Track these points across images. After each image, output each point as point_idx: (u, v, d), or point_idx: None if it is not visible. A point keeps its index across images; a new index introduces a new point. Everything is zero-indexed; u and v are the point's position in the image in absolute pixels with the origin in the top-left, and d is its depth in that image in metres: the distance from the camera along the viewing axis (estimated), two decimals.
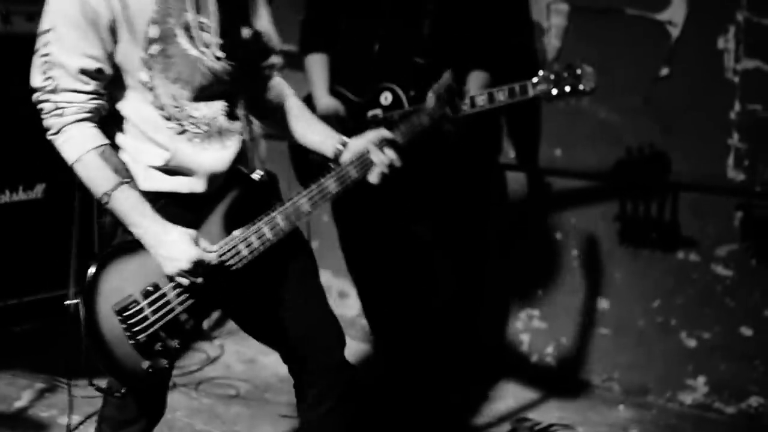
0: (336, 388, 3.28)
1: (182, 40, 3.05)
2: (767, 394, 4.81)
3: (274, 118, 3.41)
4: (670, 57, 4.85)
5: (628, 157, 4.94)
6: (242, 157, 3.20)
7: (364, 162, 3.27)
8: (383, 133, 3.33)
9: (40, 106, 3.01)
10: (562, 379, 5.26)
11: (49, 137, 3.02)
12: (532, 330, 5.38)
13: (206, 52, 3.09)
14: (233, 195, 3.16)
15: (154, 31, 3.01)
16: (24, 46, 5.39)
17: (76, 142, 2.98)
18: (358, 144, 3.32)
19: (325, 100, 4.48)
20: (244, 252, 3.10)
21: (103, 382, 3.13)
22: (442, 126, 3.64)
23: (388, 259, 4.89)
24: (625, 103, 4.92)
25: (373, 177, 3.28)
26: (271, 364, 5.06)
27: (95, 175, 2.99)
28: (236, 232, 3.10)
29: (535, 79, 4.10)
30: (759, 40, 4.66)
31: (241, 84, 3.23)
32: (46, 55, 2.96)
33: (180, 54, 3.05)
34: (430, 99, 3.52)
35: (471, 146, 4.82)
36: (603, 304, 5.16)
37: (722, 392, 4.91)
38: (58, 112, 2.97)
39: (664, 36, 4.85)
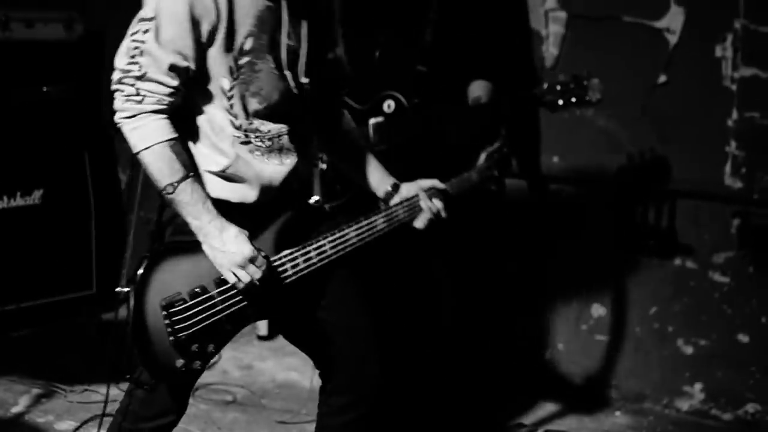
0: (363, 401, 3.30)
1: (270, 58, 3.09)
2: (764, 401, 4.82)
3: (334, 148, 3.51)
4: (668, 64, 4.87)
5: (626, 164, 4.95)
6: (299, 179, 3.25)
7: (412, 206, 3.40)
8: (435, 182, 3.45)
9: (119, 86, 3.04)
10: (558, 385, 5.26)
11: (117, 120, 3.05)
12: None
13: (290, 75, 3.14)
14: (288, 215, 3.20)
15: (248, 44, 3.05)
16: (23, 53, 5.50)
17: (149, 131, 3.02)
18: (409, 189, 3.43)
19: None
20: (290, 271, 3.14)
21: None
22: (489, 186, 3.74)
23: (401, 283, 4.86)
24: (624, 110, 4.92)
25: (419, 222, 3.41)
26: (268, 370, 5.07)
27: (163, 165, 3.03)
28: (285, 252, 3.14)
29: (541, 90, 4.13)
30: (757, 47, 4.67)
31: (314, 109, 3.28)
32: (140, 41, 3.01)
33: (266, 70, 3.09)
34: (482, 158, 3.64)
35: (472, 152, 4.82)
36: (599, 310, 5.17)
37: (719, 399, 4.92)
38: (138, 98, 3.01)
39: (662, 43, 4.86)
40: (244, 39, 3.05)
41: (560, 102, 4.12)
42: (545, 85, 4.16)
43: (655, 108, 4.89)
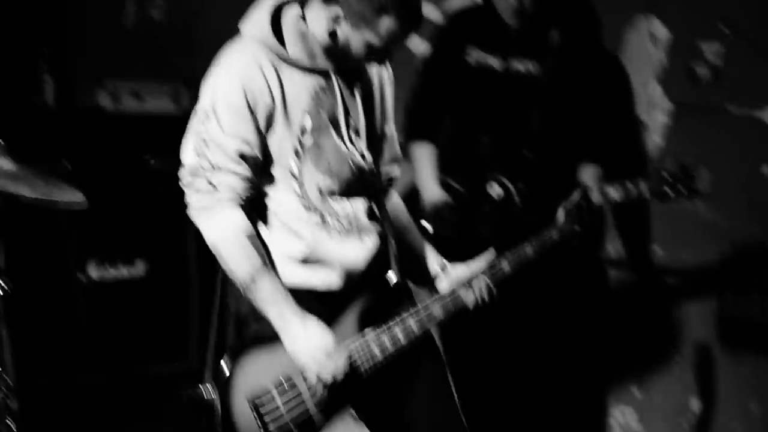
0: None
1: (333, 134, 3.11)
2: None
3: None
4: None
5: (728, 256, 4.89)
6: (379, 257, 3.26)
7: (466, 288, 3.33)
8: (485, 258, 3.41)
9: (191, 181, 3.07)
10: None
11: (193, 214, 3.09)
12: (626, 429, 5.30)
13: (354, 149, 3.16)
14: (368, 295, 3.21)
15: (308, 122, 3.07)
16: (131, 124, 5.60)
17: (225, 223, 3.05)
18: (458, 271, 3.42)
19: (434, 191, 4.49)
20: (377, 353, 3.14)
21: None
22: (571, 242, 3.71)
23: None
24: (727, 201, 4.87)
25: (470, 305, 3.33)
26: None
27: (241, 258, 3.04)
28: (369, 331, 3.14)
29: (649, 179, 4.11)
30: None
31: (377, 184, 3.31)
32: (204, 134, 3.03)
33: (331, 146, 3.12)
34: (560, 215, 3.59)
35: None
36: (698, 404, 5.08)
37: None
38: (212, 190, 3.03)
39: None
40: (302, 118, 3.08)
41: (670, 192, 4.10)
42: (654, 175, 4.14)
43: (760, 200, 4.84)
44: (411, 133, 4.73)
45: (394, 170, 3.46)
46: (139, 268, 5.30)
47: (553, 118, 4.40)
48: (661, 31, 5.03)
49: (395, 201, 3.49)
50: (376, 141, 3.29)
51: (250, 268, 3.04)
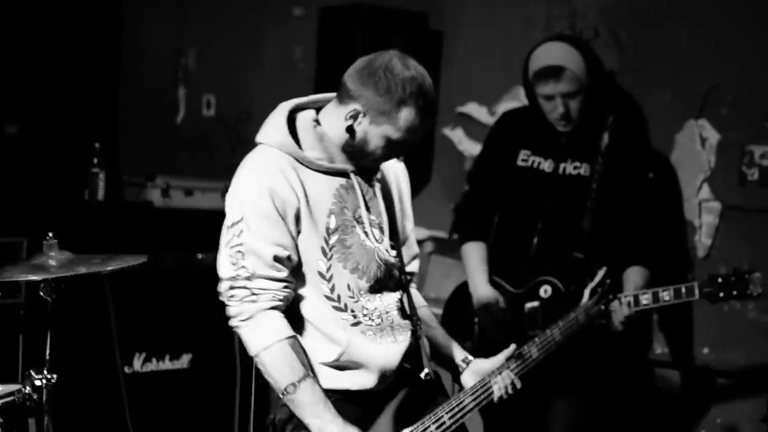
0: None
1: (359, 232, 3.13)
2: None
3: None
4: None
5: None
6: (412, 354, 3.26)
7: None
8: (510, 353, 3.43)
9: (232, 293, 3.06)
10: None
11: (235, 324, 3.08)
12: None
13: (379, 245, 3.18)
14: (402, 394, 3.21)
15: (333, 222, 3.09)
16: (181, 219, 5.64)
17: (268, 330, 3.04)
18: (481, 365, 3.41)
19: (485, 290, 4.49)
20: None
21: None
22: (596, 321, 3.75)
23: None
24: None
25: (496, 396, 3.36)
26: None
27: (283, 365, 3.03)
28: (405, 431, 3.12)
29: (702, 282, 4.13)
30: None
31: (404, 280, 3.33)
32: (238, 244, 3.03)
33: (357, 244, 3.13)
34: (586, 295, 3.65)
35: (621, 341, 4.75)
36: None
37: None
38: (253, 298, 3.03)
39: None
40: (327, 218, 3.10)
41: (721, 295, 4.12)
42: (706, 277, 4.16)
43: None
44: (462, 231, 4.76)
45: (413, 266, 3.47)
46: (184, 361, 5.31)
47: (602, 219, 4.39)
48: (711, 133, 5.03)
49: (415, 296, 3.48)
50: (397, 237, 3.31)
51: (293, 376, 3.03)
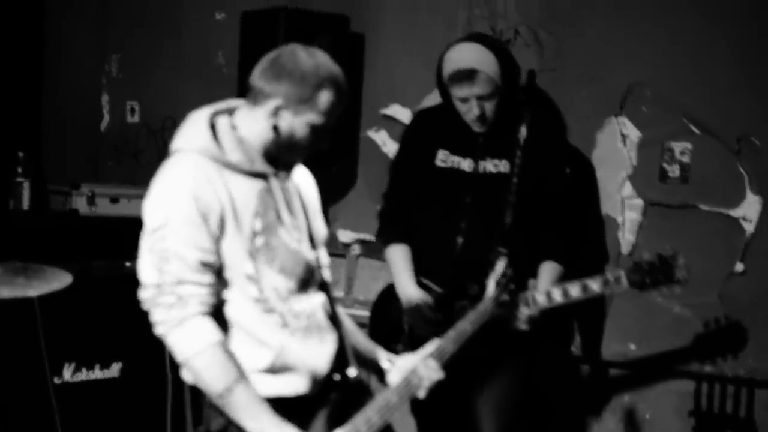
0: None
1: (282, 232, 3.15)
2: None
3: None
4: (745, 253, 4.86)
5: (702, 352, 4.91)
6: (340, 355, 3.29)
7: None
8: (429, 350, 3.47)
9: (158, 300, 3.03)
10: None
11: (163, 331, 3.05)
12: None
13: (301, 246, 3.20)
14: (333, 397, 3.24)
15: (258, 224, 3.10)
16: (106, 228, 5.62)
17: (198, 335, 3.02)
18: (403, 363, 3.46)
19: (412, 291, 4.50)
20: None
21: None
22: (504, 312, 3.83)
23: None
24: (700, 298, 4.90)
25: (421, 393, 3.38)
26: None
27: (216, 369, 3.02)
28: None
29: (628, 269, 4.17)
30: None
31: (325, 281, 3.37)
32: (163, 249, 3.00)
33: (282, 246, 3.15)
34: (491, 287, 3.72)
35: (542, 338, 4.79)
36: None
37: None
38: (181, 304, 3.01)
39: (739, 232, 4.87)
40: (252, 220, 3.10)
41: (648, 281, 4.16)
42: (632, 265, 4.20)
43: (732, 296, 4.87)
44: (385, 234, 4.75)
45: (328, 273, 3.50)
46: (114, 370, 5.29)
47: (523, 214, 4.42)
48: (632, 130, 5.10)
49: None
50: (314, 240, 3.35)
51: (227, 380, 3.01)
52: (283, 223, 3.19)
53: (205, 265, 3.04)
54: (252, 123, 3.18)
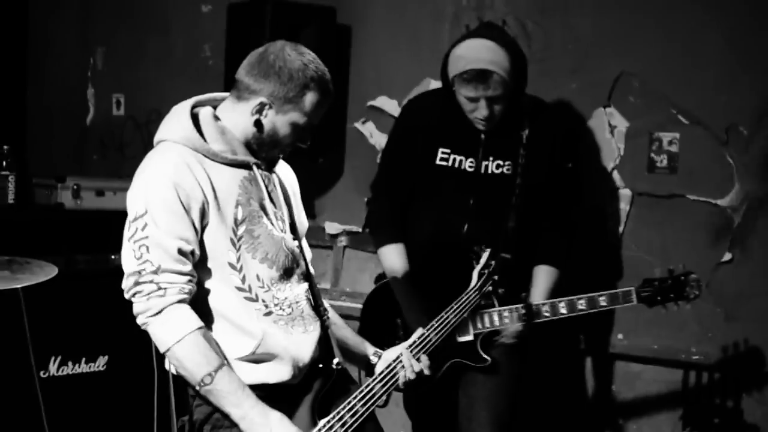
0: None
1: (266, 222, 3.15)
2: None
3: None
4: (733, 242, 4.86)
5: (691, 342, 4.92)
6: (323, 344, 3.29)
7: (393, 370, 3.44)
8: (412, 340, 3.53)
9: (138, 288, 3.05)
10: None
11: (144, 320, 3.07)
12: None
13: (286, 236, 3.20)
14: (317, 386, 3.25)
15: (240, 213, 3.11)
16: (92, 221, 5.59)
17: (179, 323, 3.03)
18: (389, 354, 3.49)
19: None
20: None
21: None
22: (488, 302, 3.83)
23: None
24: None
25: (401, 381, 3.42)
26: None
27: (198, 356, 3.03)
28: (321, 422, 3.17)
29: (638, 286, 4.14)
30: None
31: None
32: (143, 238, 3.02)
33: (265, 234, 3.16)
34: (474, 278, 3.73)
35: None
36: None
37: None
38: (160, 293, 3.02)
39: (726, 221, 4.86)
40: (235, 209, 3.12)
41: (659, 298, 4.13)
42: (642, 282, 4.15)
43: (719, 286, 4.87)
44: (379, 234, 4.58)
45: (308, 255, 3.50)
46: (100, 363, 5.26)
47: (527, 217, 4.35)
48: (620, 121, 5.09)
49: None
50: (296, 230, 3.36)
51: (209, 367, 3.02)
52: (266, 212, 3.19)
53: (185, 254, 3.04)
54: (235, 116, 3.19)
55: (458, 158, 4.39)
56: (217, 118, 3.21)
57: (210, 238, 3.09)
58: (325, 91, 3.18)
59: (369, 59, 5.97)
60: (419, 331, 3.55)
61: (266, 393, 3.12)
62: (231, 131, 3.18)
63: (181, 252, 3.02)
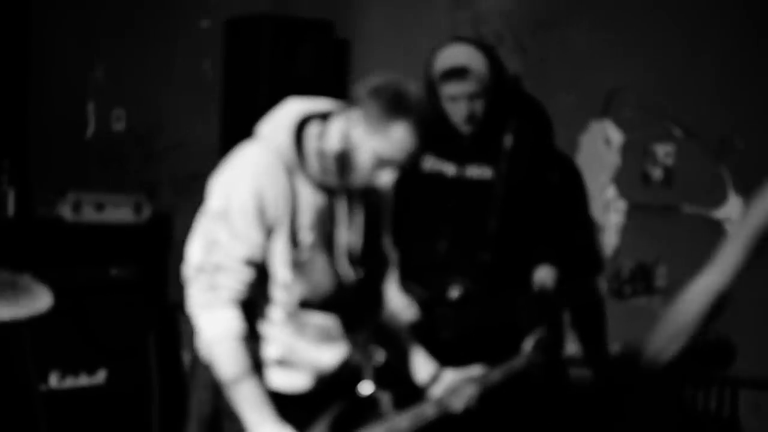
0: None
1: (327, 252, 3.16)
2: None
3: (381, 332, 3.48)
4: None
5: (687, 352, 4.92)
6: (351, 368, 3.28)
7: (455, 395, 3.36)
8: (475, 371, 3.45)
9: (195, 277, 3.09)
10: None
11: (192, 309, 3.10)
12: None
13: (345, 267, 3.21)
14: (339, 407, 3.24)
15: (309, 237, 3.11)
16: (92, 234, 5.61)
17: (224, 324, 3.06)
18: (451, 376, 3.44)
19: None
20: None
21: None
22: (534, 372, 3.79)
23: None
24: None
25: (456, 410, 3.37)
26: None
27: (232, 359, 3.06)
28: None
29: (609, 278, 4.16)
30: None
31: (365, 299, 3.35)
32: (215, 236, 3.06)
33: (322, 264, 3.15)
34: (528, 344, 3.68)
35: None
36: None
37: None
38: (215, 291, 3.05)
39: (722, 233, 4.87)
40: (306, 232, 3.11)
41: (628, 290, 4.15)
42: (612, 274, 4.19)
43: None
44: None
45: (392, 274, 3.51)
46: (100, 377, 5.28)
47: (508, 222, 4.41)
48: (615, 133, 5.11)
49: (391, 309, 3.51)
50: (372, 258, 3.33)
51: (236, 370, 3.05)
52: (333, 241, 3.19)
53: (249, 262, 3.06)
54: (335, 132, 3.11)
55: (441, 163, 4.46)
56: (320, 135, 3.13)
57: (272, 252, 3.10)
58: (417, 126, 3.07)
59: (366, 73, 5.96)
60: (480, 369, 3.50)
61: (284, 401, 3.13)
62: (327, 153, 3.10)
63: (246, 258, 3.05)
